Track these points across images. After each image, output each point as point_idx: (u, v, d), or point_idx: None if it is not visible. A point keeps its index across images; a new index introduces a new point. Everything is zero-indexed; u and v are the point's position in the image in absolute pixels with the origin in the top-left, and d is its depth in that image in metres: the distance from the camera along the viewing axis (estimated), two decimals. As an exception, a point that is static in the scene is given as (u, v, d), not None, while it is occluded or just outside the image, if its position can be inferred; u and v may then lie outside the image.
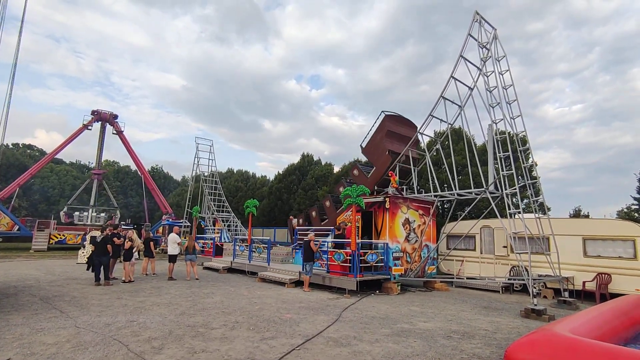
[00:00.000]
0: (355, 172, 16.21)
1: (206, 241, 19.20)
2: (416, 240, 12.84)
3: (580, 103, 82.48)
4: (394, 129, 14.86)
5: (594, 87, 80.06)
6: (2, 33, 10.28)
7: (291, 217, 20.46)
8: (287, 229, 20.18)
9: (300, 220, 18.54)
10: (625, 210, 26.94)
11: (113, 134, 32.42)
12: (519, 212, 10.17)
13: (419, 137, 13.73)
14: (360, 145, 15.78)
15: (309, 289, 11.07)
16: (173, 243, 13.02)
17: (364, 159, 21.69)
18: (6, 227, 24.54)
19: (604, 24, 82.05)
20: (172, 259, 12.87)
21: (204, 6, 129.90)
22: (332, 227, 14.07)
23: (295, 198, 32.53)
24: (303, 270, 11.24)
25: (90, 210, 29.46)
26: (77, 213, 29.19)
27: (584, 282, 11.23)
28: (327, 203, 17.24)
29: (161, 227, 29.07)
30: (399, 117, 15.67)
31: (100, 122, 31.75)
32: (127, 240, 11.99)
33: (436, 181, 12.73)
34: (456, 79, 12.61)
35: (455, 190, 12.07)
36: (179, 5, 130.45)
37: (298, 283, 11.75)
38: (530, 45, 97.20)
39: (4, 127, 11.00)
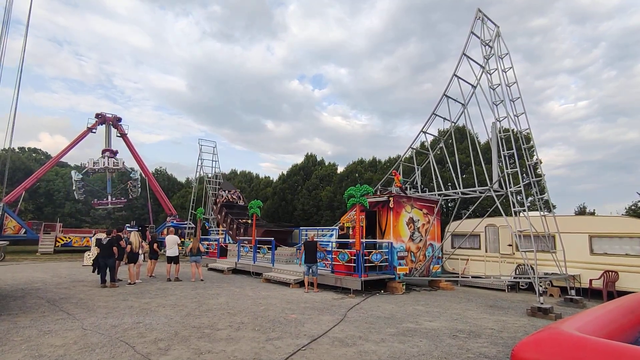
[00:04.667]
0: None
1: (210, 242, 19.29)
2: (420, 240, 12.81)
3: (585, 99, 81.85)
4: None
5: (599, 83, 79.39)
6: (4, 36, 10.32)
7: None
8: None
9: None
10: (633, 207, 26.69)
11: (117, 136, 32.59)
12: (524, 210, 10.12)
13: (423, 135, 13.70)
14: None
15: (318, 289, 11.03)
16: (173, 244, 13.01)
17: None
18: (13, 230, 24.75)
19: (609, 18, 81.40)
20: (173, 260, 12.86)
21: (208, 5, 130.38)
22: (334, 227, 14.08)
23: (299, 198, 32.57)
24: (309, 272, 11.04)
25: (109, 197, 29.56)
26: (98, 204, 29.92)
27: (590, 280, 11.14)
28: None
29: (165, 229, 29.17)
30: None
31: (104, 125, 31.94)
32: (128, 244, 12.00)
33: (440, 180, 12.71)
34: (459, 77, 12.58)
35: (460, 188, 12.03)
36: (181, 3, 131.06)
37: (303, 283, 11.74)
38: (534, 42, 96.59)
39: (10, 132, 11.06)
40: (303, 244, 11.36)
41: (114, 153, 32.20)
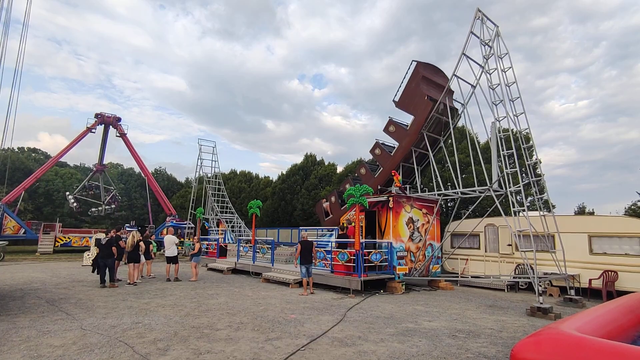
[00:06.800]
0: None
1: (210, 242, 19.29)
2: (420, 239, 12.80)
3: (586, 99, 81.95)
4: (428, 76, 14.16)
5: (600, 83, 79.55)
6: (2, 37, 10.30)
7: (323, 200, 19.88)
8: (318, 214, 19.88)
9: (333, 199, 17.45)
10: (633, 207, 26.70)
11: (117, 136, 32.58)
12: (524, 210, 10.11)
13: (423, 136, 13.69)
14: (394, 101, 14.63)
15: (313, 290, 10.94)
16: (171, 244, 12.94)
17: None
18: (12, 230, 24.74)
19: (610, 18, 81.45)
20: (172, 260, 12.79)
21: (208, 4, 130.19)
22: (335, 227, 14.06)
23: (299, 198, 32.57)
24: (306, 273, 10.67)
25: (103, 206, 32.07)
26: (93, 209, 32.55)
27: (590, 280, 11.15)
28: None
29: (165, 229, 29.15)
30: (432, 66, 14.80)
31: (103, 125, 31.94)
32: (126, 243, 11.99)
33: (439, 180, 12.69)
34: (459, 77, 12.57)
35: (459, 188, 12.02)
36: (181, 3, 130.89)
37: (302, 283, 11.70)
38: (535, 41, 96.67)
39: (10, 131, 11.06)
40: (299, 242, 10.91)
41: (104, 167, 34.75)
